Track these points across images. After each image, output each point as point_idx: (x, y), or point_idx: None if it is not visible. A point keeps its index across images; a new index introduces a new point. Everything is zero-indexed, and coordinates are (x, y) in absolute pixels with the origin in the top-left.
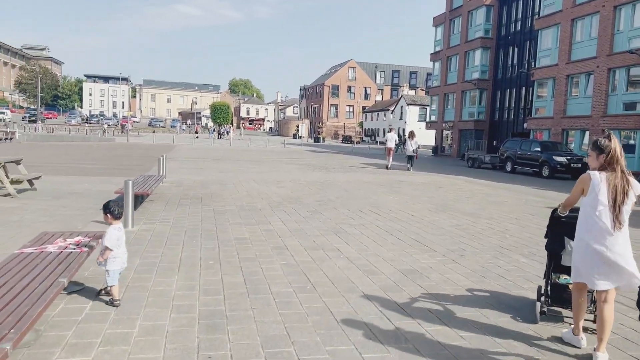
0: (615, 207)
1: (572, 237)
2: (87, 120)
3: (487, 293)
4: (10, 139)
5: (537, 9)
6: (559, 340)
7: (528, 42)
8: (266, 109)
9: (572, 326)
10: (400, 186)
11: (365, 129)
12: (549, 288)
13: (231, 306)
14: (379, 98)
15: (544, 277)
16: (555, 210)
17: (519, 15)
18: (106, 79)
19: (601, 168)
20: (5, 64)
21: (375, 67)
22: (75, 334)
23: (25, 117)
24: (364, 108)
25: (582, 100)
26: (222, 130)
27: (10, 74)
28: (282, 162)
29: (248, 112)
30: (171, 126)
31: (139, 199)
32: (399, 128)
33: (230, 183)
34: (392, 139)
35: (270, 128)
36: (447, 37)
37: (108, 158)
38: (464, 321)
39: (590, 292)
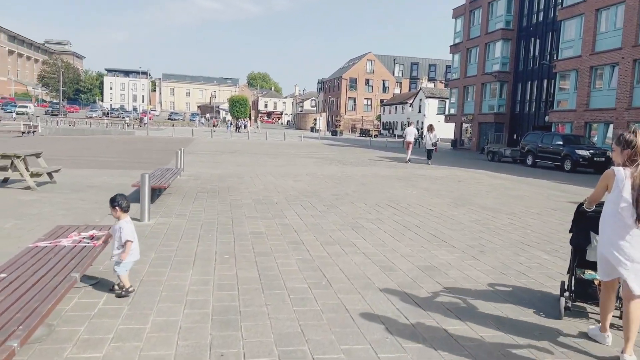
0: (639, 203)
1: (597, 232)
2: (107, 114)
3: (508, 289)
4: (33, 132)
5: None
6: (584, 336)
7: (550, 33)
8: (284, 103)
9: (600, 324)
10: (418, 180)
11: (383, 122)
12: (573, 283)
13: (245, 302)
14: (397, 91)
15: (568, 273)
16: (581, 204)
17: (541, 6)
18: (126, 73)
19: (626, 163)
20: (29, 58)
21: (394, 59)
22: (88, 330)
23: (48, 111)
24: (382, 101)
25: (606, 92)
26: (239, 124)
27: (33, 68)
28: (299, 156)
29: (266, 106)
30: (190, 120)
31: (156, 192)
32: (417, 121)
33: (247, 176)
34: (411, 133)
35: (288, 121)
36: (467, 28)
37: (127, 151)
38: (484, 319)
39: (617, 288)
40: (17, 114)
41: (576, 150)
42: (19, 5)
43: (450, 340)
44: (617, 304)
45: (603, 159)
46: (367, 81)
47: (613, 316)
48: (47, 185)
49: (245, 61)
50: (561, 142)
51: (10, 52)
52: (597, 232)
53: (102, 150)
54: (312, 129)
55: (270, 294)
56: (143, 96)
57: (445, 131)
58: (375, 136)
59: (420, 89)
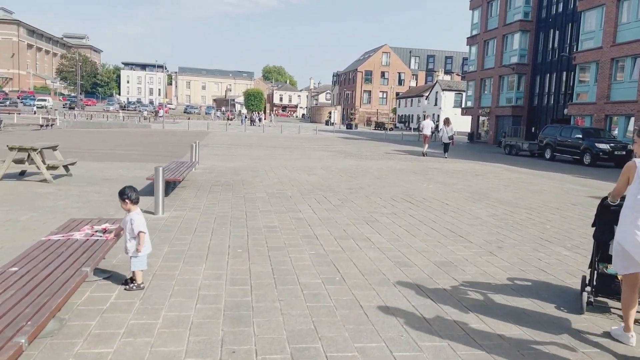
0: None
1: None
2: (124, 107)
3: (527, 285)
4: (52, 125)
5: None
6: (607, 335)
7: (570, 24)
8: (299, 96)
9: (623, 323)
10: (434, 174)
11: (398, 115)
12: (595, 278)
13: (258, 297)
14: (413, 84)
15: (590, 267)
16: (605, 198)
17: None
18: (143, 67)
19: None
20: (47, 52)
21: (410, 52)
22: (99, 324)
23: (66, 104)
24: (397, 94)
25: (627, 84)
26: (253, 117)
27: (52, 62)
28: (314, 149)
29: (281, 99)
30: (206, 113)
31: (170, 186)
32: (433, 114)
33: (262, 170)
34: (427, 126)
35: (303, 115)
36: (484, 20)
37: (144, 144)
38: (503, 315)
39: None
40: (37, 107)
41: (596, 144)
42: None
43: (467, 338)
44: None
45: (624, 153)
46: (382, 74)
47: (638, 312)
48: (63, 178)
49: (261, 54)
50: (580, 136)
51: (30, 46)
52: None
53: (119, 143)
54: (327, 122)
55: (283, 289)
56: (159, 89)
57: (462, 124)
58: (391, 129)
59: (437, 81)
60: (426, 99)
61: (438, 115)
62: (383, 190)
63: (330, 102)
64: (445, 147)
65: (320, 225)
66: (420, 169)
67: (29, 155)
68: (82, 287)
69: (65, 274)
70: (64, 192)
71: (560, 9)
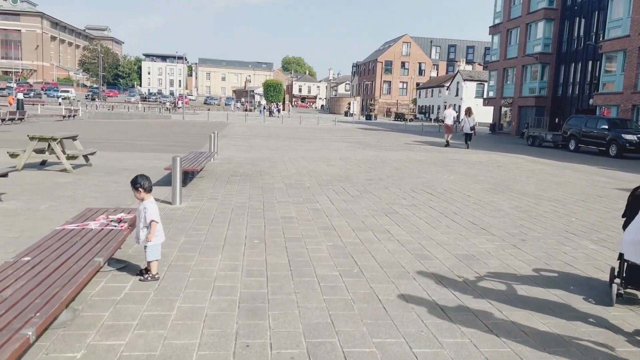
0: None
1: None
2: (145, 98)
3: (553, 280)
4: (74, 116)
5: None
6: (638, 333)
7: (596, 12)
8: (318, 87)
9: None
10: (455, 165)
11: (418, 106)
12: (624, 269)
13: (274, 289)
14: (433, 74)
15: (619, 259)
16: (636, 189)
17: None
18: (164, 58)
19: None
20: (70, 44)
21: (431, 42)
22: (112, 315)
23: (88, 95)
24: (418, 84)
25: None
26: (272, 108)
27: (74, 54)
28: (333, 140)
29: (300, 90)
30: (225, 104)
31: (188, 176)
32: (454, 105)
33: (280, 160)
34: (449, 116)
35: (322, 106)
36: (507, 8)
37: (163, 135)
38: (528, 311)
39: None
40: (62, 99)
41: (623, 135)
42: None
43: (490, 335)
44: None
45: None
46: (402, 64)
47: None
48: (82, 168)
49: (280, 45)
50: (606, 126)
51: (53, 38)
52: None
53: (139, 134)
54: (346, 113)
55: (300, 282)
56: (180, 81)
57: (484, 115)
58: (411, 120)
59: (458, 71)
60: (447, 89)
61: (459, 106)
62: (402, 182)
63: (349, 92)
64: (467, 137)
65: (338, 216)
66: (440, 160)
67: (49, 145)
68: (96, 278)
69: (78, 264)
70: (83, 181)
71: None
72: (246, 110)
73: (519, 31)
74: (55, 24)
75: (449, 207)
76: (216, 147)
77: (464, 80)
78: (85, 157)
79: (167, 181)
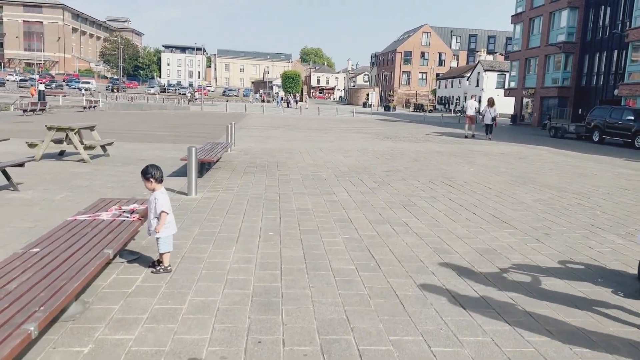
0: None
1: None
2: (165, 89)
3: (579, 276)
4: (94, 107)
5: None
6: None
7: (623, 0)
8: (336, 78)
9: None
10: (475, 156)
11: (438, 96)
12: None
13: (288, 283)
14: (454, 64)
15: None
16: None
17: None
18: (183, 49)
19: None
20: (91, 36)
21: (451, 31)
22: (122, 309)
23: (108, 86)
24: (437, 75)
25: None
26: (289, 99)
27: (95, 45)
28: (350, 131)
29: (318, 81)
30: (244, 95)
31: (205, 166)
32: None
33: (297, 151)
34: (471, 107)
35: (340, 97)
36: None
37: (182, 126)
38: (552, 309)
39: None
40: (85, 90)
41: None
42: None
43: (513, 333)
44: None
45: None
46: (422, 54)
47: None
48: (100, 158)
49: (299, 36)
50: (632, 117)
51: (74, 30)
52: None
53: (157, 125)
54: (364, 105)
55: (315, 275)
56: (199, 72)
57: (505, 106)
58: (430, 111)
59: (479, 61)
60: (467, 79)
61: (480, 97)
62: (421, 173)
63: (368, 83)
64: (488, 128)
65: (355, 208)
66: (460, 151)
67: (67, 135)
68: (108, 269)
69: (87, 256)
70: (100, 172)
71: None
72: (263, 101)
73: (542, 20)
74: (77, 15)
75: (469, 200)
76: (233, 138)
77: (485, 70)
78: (103, 147)
79: (183, 172)
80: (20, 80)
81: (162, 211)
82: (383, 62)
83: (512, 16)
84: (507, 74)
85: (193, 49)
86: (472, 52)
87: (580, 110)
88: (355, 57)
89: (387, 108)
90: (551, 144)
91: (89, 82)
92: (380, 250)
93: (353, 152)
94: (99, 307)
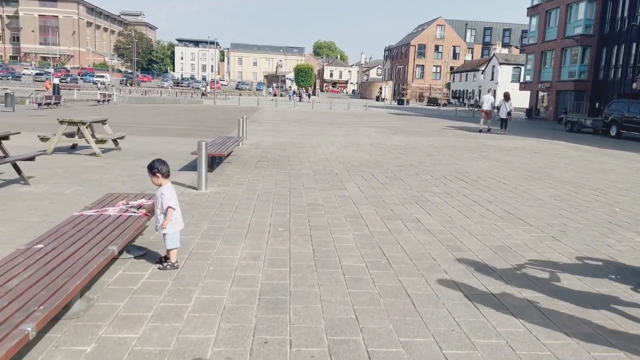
0: None
1: None
2: (178, 83)
3: (597, 276)
4: (108, 101)
5: None
6: None
7: None
8: (349, 71)
9: None
10: (490, 151)
11: (452, 90)
12: None
13: (296, 281)
14: (468, 57)
15: None
16: None
17: None
18: (196, 43)
19: None
20: (105, 29)
21: (466, 24)
22: (127, 306)
23: (122, 80)
24: (452, 68)
25: None
26: (301, 93)
27: (109, 39)
28: (363, 125)
29: (331, 75)
30: (257, 89)
31: (215, 161)
32: (489, 90)
33: (309, 146)
34: (487, 101)
35: (353, 91)
36: None
37: (194, 120)
38: (569, 311)
39: None
40: (101, 84)
41: None
42: None
43: (529, 336)
44: None
45: None
46: (436, 47)
47: None
48: (112, 152)
49: (312, 30)
50: None
51: (89, 24)
52: None
53: (170, 119)
54: (377, 98)
55: (324, 273)
56: (212, 66)
57: (520, 100)
58: (444, 105)
59: (494, 55)
60: (482, 73)
61: (494, 91)
62: (434, 168)
63: (381, 77)
64: (504, 122)
65: (366, 204)
66: (474, 145)
67: (78, 129)
68: (115, 265)
69: (91, 252)
70: (111, 165)
71: None
72: (274, 95)
73: (558, 12)
74: (91, 9)
75: (483, 195)
76: (245, 132)
77: (500, 64)
78: (115, 141)
79: (194, 166)
80: (36, 74)
81: (169, 207)
82: (397, 55)
83: (528, 8)
84: (523, 68)
85: (206, 42)
86: (487, 45)
87: (597, 104)
88: (368, 51)
89: (400, 102)
90: (567, 138)
91: (103, 76)
92: (392, 247)
93: (365, 146)
94: (103, 304)
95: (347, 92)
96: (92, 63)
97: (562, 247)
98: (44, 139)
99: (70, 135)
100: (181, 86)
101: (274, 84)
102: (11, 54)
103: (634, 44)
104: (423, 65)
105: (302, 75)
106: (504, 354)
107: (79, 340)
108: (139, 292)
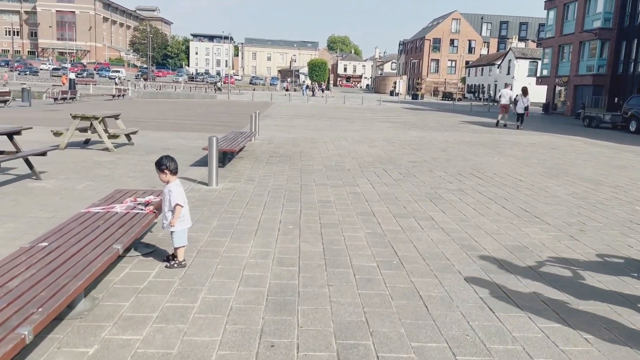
0: None
1: None
2: (193, 78)
3: (618, 278)
4: (123, 95)
5: None
6: None
7: None
8: (363, 66)
9: None
10: (506, 147)
11: (467, 85)
12: None
13: (305, 280)
14: (484, 52)
15: None
16: None
17: None
18: (211, 38)
19: None
20: (121, 25)
21: (481, 18)
22: (132, 306)
23: (138, 75)
24: (467, 62)
25: None
26: (314, 88)
27: (125, 34)
28: (376, 120)
29: (345, 69)
30: (271, 84)
31: (227, 156)
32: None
33: (321, 141)
34: (505, 95)
35: (367, 85)
36: None
37: (207, 114)
38: (590, 316)
39: None
40: (118, 79)
41: None
42: None
43: (547, 342)
44: None
45: None
46: (451, 42)
47: None
48: (124, 147)
49: (326, 24)
50: None
51: (105, 19)
52: None
53: (183, 113)
54: (391, 93)
55: (334, 273)
56: (226, 61)
57: (536, 94)
58: (459, 100)
59: (510, 49)
60: (498, 67)
61: (511, 85)
62: (449, 164)
63: (395, 71)
64: (520, 117)
65: (378, 201)
66: (490, 141)
67: (91, 124)
68: (122, 263)
69: (95, 251)
70: (123, 161)
71: None
72: (287, 90)
73: (576, 5)
74: (107, 5)
75: (499, 193)
76: (257, 127)
77: (516, 58)
78: (128, 136)
79: (206, 161)
80: (53, 69)
81: (177, 204)
82: (411, 49)
83: (545, 2)
84: (540, 62)
85: (221, 37)
86: (503, 39)
87: (616, 99)
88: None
89: (414, 96)
90: (585, 134)
91: (118, 71)
92: (404, 247)
93: (378, 141)
94: (108, 303)
95: (360, 87)
96: (108, 58)
97: (581, 247)
98: (57, 134)
99: (83, 130)
100: (195, 81)
101: (288, 79)
102: (29, 50)
103: None
104: (438, 60)
105: (316, 69)
106: None
107: (81, 342)
108: (145, 292)
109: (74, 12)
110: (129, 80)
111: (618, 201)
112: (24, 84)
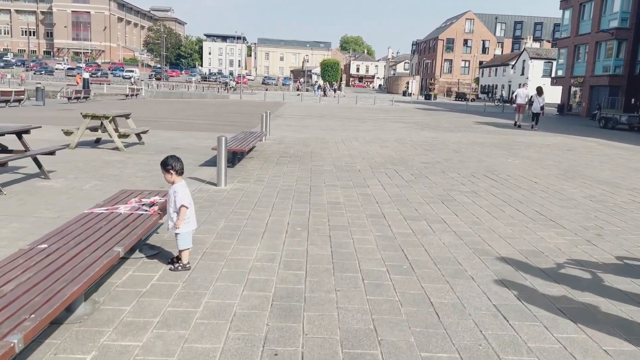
0: None
1: None
2: (206, 78)
3: (639, 285)
4: (136, 95)
5: None
6: None
7: None
8: (376, 66)
9: None
10: (520, 148)
11: (481, 85)
12: None
13: (312, 285)
14: (498, 52)
15: None
16: None
17: None
18: (224, 38)
19: None
20: (136, 25)
21: (496, 18)
22: (134, 310)
23: (151, 75)
24: (481, 63)
25: None
26: (325, 88)
27: (139, 34)
28: (389, 121)
29: (358, 69)
30: (283, 84)
31: (237, 156)
32: (524, 85)
33: (332, 141)
34: (521, 95)
35: (380, 85)
36: None
37: (219, 114)
38: (609, 326)
39: None
40: (133, 79)
41: None
42: None
43: (563, 353)
44: None
45: None
46: (465, 42)
47: None
48: (135, 147)
49: (339, 25)
50: None
51: (120, 20)
52: None
53: (196, 113)
54: (404, 93)
55: (342, 277)
56: (239, 61)
57: (551, 95)
58: (473, 100)
59: (524, 49)
60: (512, 67)
61: (526, 85)
62: (462, 166)
63: (408, 72)
64: (535, 117)
65: (389, 203)
66: (504, 142)
67: (102, 123)
68: (125, 265)
69: (95, 254)
70: (133, 160)
71: None
72: (298, 90)
73: (593, 5)
74: (122, 5)
75: (513, 195)
76: (268, 127)
77: (531, 58)
78: (138, 135)
79: (215, 161)
80: (68, 69)
81: (182, 205)
82: (424, 49)
83: (561, 1)
84: (555, 62)
85: (234, 37)
86: (517, 40)
87: (633, 100)
88: (395, 45)
89: (427, 97)
90: (601, 135)
91: (132, 71)
92: (415, 251)
93: (390, 142)
94: (109, 307)
95: (373, 87)
96: (123, 58)
97: (599, 252)
98: (67, 133)
99: (94, 129)
100: (209, 81)
101: (300, 79)
102: (45, 49)
103: None
104: (451, 60)
105: (329, 70)
106: None
107: (79, 348)
108: (147, 295)
109: (89, 12)
110: (142, 80)
111: (637, 204)
112: (39, 83)
